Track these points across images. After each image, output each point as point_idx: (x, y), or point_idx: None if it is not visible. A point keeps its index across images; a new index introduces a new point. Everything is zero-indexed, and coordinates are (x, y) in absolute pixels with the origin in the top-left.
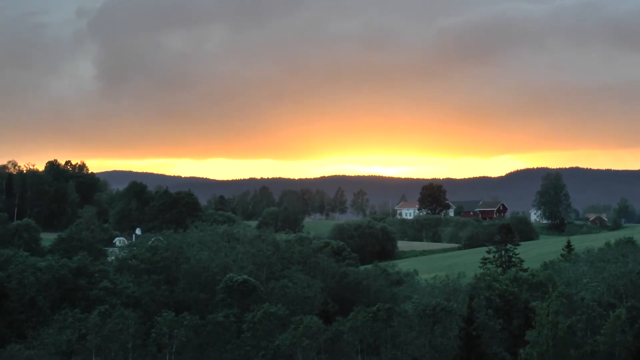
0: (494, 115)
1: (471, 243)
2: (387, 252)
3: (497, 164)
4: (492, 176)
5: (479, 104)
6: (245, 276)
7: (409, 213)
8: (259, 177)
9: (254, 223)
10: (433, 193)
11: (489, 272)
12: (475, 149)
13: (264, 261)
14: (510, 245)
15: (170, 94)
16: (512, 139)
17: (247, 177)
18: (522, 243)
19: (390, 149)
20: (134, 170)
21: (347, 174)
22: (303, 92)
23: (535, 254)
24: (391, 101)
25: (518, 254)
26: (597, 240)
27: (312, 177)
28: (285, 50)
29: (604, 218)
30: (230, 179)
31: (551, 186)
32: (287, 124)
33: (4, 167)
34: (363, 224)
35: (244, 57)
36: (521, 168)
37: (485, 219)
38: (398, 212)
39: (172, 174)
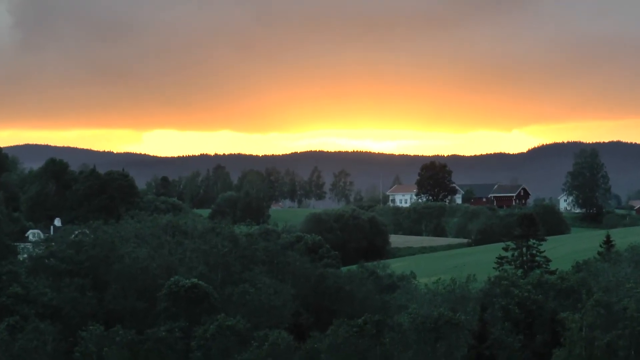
0: (518, 77)
1: (484, 238)
2: (377, 249)
3: (517, 138)
4: (511, 152)
5: (499, 63)
6: (195, 280)
7: (404, 199)
8: (212, 154)
9: (206, 212)
10: (435, 174)
11: (506, 274)
12: (491, 119)
13: (218, 260)
14: (534, 241)
15: (105, 46)
16: (539, 107)
17: (197, 153)
18: (548, 238)
19: (384, 120)
20: (53, 144)
21: (325, 149)
22: (275, 45)
23: (566, 251)
24: (388, 59)
25: (543, 251)
26: None
27: (280, 154)
28: None
29: None
30: (176, 155)
31: (586, 165)
32: (252, 86)
33: None
34: (346, 213)
35: None
36: (548, 142)
37: (501, 207)
38: (390, 198)
39: (101, 149)
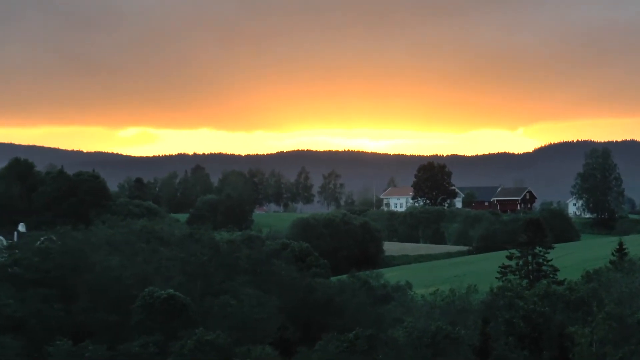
0: (524, 70)
1: (486, 245)
2: (370, 257)
3: (522, 137)
4: (516, 152)
5: (503, 55)
6: (172, 290)
7: (399, 203)
8: (191, 153)
9: (184, 216)
10: (434, 176)
11: (510, 285)
12: (494, 117)
13: (197, 270)
14: (540, 249)
15: (76, 37)
16: (546, 103)
17: (175, 152)
18: (556, 245)
19: (378, 117)
20: (17, 143)
21: (314, 149)
22: (262, 36)
23: (575, 260)
24: (383, 51)
25: (551, 260)
26: None
27: (265, 153)
28: None
29: None
30: (151, 155)
31: (597, 166)
32: (236, 80)
33: None
34: (336, 218)
35: None
36: (556, 142)
37: (505, 211)
38: (385, 201)
39: (70, 148)
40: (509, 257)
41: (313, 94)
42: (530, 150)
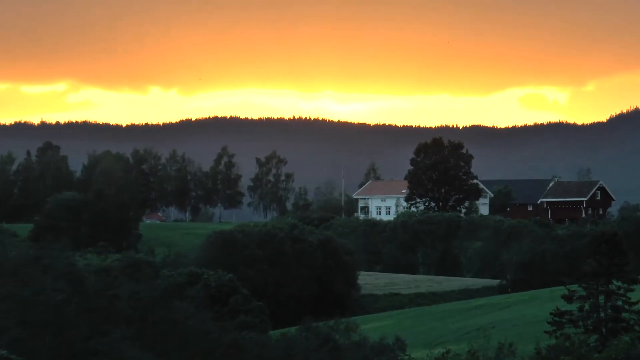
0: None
1: (528, 278)
2: (336, 297)
3: (590, 97)
4: (579, 123)
5: None
6: (4, 352)
7: (385, 207)
8: (38, 122)
9: (25, 228)
10: (443, 160)
11: (569, 343)
12: (540, 68)
13: (48, 317)
14: (620, 284)
15: None
16: (628, 45)
17: (10, 120)
18: None
19: (352, 70)
20: None
21: (242, 115)
22: None
23: None
24: None
25: (636, 303)
26: None
27: (161, 123)
28: None
29: None
30: None
31: None
32: (116, 9)
33: None
34: (280, 232)
35: None
36: None
37: (562, 221)
38: (361, 204)
39: None
40: (568, 298)
41: (243, 34)
42: (603, 119)
